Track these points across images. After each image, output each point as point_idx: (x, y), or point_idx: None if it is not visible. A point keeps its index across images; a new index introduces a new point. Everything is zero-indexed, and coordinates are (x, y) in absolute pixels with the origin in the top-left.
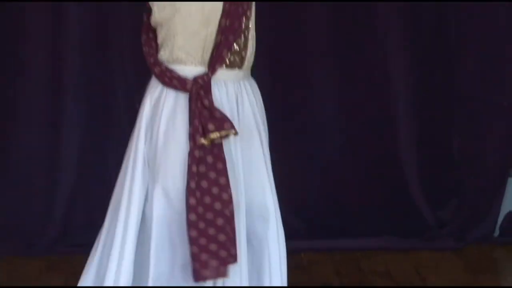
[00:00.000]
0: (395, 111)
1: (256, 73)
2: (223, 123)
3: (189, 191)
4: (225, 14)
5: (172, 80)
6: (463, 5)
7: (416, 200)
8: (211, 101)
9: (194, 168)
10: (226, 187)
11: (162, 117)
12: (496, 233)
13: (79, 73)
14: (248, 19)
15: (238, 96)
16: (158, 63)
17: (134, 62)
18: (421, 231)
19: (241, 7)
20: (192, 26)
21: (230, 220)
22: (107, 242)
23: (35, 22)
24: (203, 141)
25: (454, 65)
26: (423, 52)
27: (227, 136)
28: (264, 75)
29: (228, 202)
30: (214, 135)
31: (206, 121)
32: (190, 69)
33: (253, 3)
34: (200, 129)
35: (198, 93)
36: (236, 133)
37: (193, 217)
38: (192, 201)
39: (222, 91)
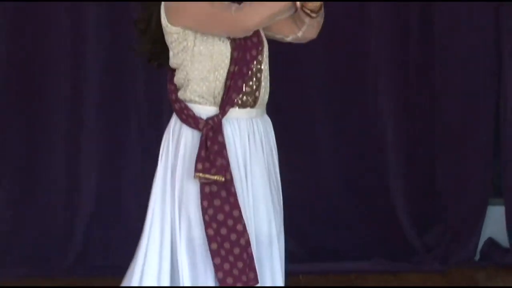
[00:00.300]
0: (384, 144)
1: None
2: (211, 168)
3: (206, 223)
4: (233, 61)
5: (188, 118)
6: (448, 45)
7: (404, 226)
8: (221, 142)
9: (205, 203)
10: (239, 218)
11: (181, 150)
12: (477, 257)
13: (97, 106)
14: (259, 63)
15: (250, 133)
16: (178, 100)
17: (147, 94)
18: (409, 255)
19: (249, 53)
20: (203, 72)
21: (246, 248)
22: (144, 265)
23: (55, 42)
24: (198, 175)
25: (435, 104)
26: (410, 92)
27: (215, 180)
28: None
29: (243, 232)
30: (200, 175)
31: (200, 160)
32: (204, 109)
33: (266, 47)
34: (197, 166)
35: (207, 134)
36: (223, 180)
37: (214, 246)
38: (210, 232)
39: (234, 129)
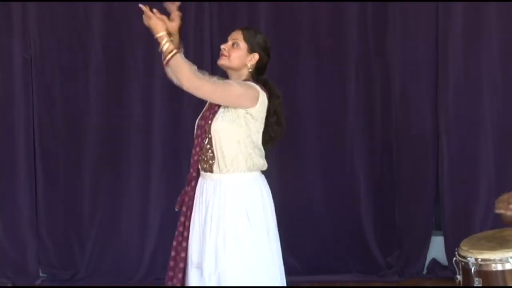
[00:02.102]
0: (358, 195)
1: None
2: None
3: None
4: (195, 133)
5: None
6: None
7: (373, 250)
8: (186, 191)
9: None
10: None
11: None
12: (424, 271)
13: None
14: (208, 139)
15: (209, 194)
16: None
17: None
18: (377, 270)
19: (200, 130)
20: None
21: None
22: None
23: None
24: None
25: (394, 164)
26: (380, 152)
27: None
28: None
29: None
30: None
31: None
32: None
33: (216, 123)
34: None
35: (189, 180)
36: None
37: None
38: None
39: (201, 187)
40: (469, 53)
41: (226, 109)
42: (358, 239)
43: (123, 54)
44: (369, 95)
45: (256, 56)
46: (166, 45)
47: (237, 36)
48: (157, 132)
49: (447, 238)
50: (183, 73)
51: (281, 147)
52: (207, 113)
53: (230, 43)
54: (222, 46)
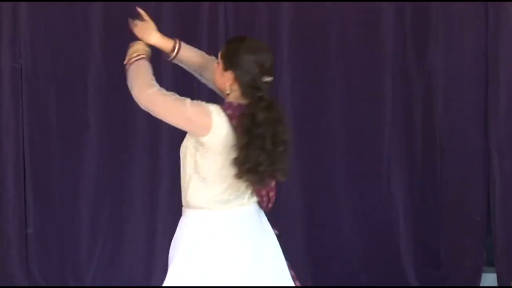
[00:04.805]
0: (396, 225)
1: None
2: None
3: None
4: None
5: None
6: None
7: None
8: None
9: None
10: None
11: None
12: None
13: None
14: (184, 174)
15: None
16: None
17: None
18: None
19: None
20: None
21: None
22: None
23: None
24: None
25: (437, 188)
26: (417, 173)
27: None
28: None
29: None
30: None
31: None
32: None
33: (187, 151)
34: None
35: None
36: None
37: None
38: None
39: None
40: None
41: None
42: (395, 277)
43: None
44: (408, 109)
45: (229, 75)
46: (136, 46)
47: (220, 52)
48: (165, 153)
49: (501, 276)
50: (141, 80)
51: (306, 170)
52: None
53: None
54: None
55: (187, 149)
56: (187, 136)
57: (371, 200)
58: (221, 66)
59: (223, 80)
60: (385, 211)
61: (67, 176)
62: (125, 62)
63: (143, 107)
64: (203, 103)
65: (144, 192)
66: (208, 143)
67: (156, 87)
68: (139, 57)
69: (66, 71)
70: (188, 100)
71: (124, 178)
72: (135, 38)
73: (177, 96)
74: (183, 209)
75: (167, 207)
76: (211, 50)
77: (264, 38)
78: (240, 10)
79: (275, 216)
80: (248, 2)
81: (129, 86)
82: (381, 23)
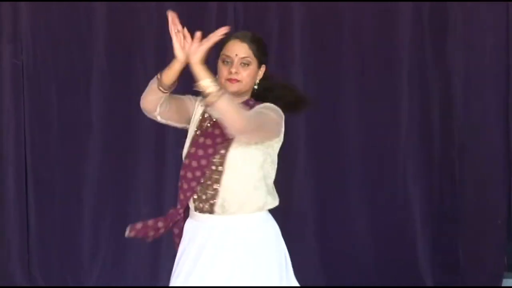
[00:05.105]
0: (413, 230)
1: None
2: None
3: None
4: (183, 165)
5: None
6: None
7: None
8: (175, 234)
9: None
10: None
11: None
12: None
13: None
14: (218, 173)
15: (207, 242)
16: None
17: None
18: None
19: (197, 162)
20: None
21: None
22: None
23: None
24: None
25: (456, 191)
26: (435, 181)
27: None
28: None
29: None
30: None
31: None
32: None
33: (230, 156)
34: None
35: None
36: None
37: None
38: None
39: (188, 229)
40: None
41: None
42: (411, 282)
43: (132, 62)
44: (425, 110)
45: (263, 68)
46: (210, 80)
47: (245, 52)
48: (170, 154)
49: None
50: (240, 113)
51: (319, 174)
52: (207, 139)
53: (238, 62)
54: (233, 70)
55: (244, 160)
56: (233, 146)
57: (387, 202)
58: (255, 63)
59: (255, 76)
60: (401, 213)
61: (70, 177)
62: (209, 99)
63: (245, 138)
64: (265, 103)
65: (149, 194)
66: (279, 141)
67: (248, 111)
68: (222, 91)
69: (69, 68)
70: (261, 106)
71: (129, 180)
72: (141, 36)
73: (247, 109)
74: (219, 216)
75: None
76: (218, 52)
77: (275, 37)
78: (249, 9)
79: (286, 217)
80: (258, 2)
81: (232, 124)
82: (398, 18)
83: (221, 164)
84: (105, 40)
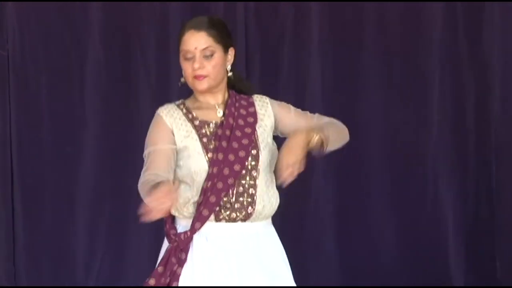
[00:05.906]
0: (445, 238)
1: None
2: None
3: None
4: (208, 176)
5: (167, 231)
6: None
7: None
8: (181, 260)
9: None
10: None
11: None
12: None
13: None
14: (250, 177)
15: (240, 251)
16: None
17: None
18: None
19: (229, 169)
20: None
21: None
22: None
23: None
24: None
25: (493, 196)
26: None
27: None
28: None
29: None
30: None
31: (153, 276)
32: (182, 222)
33: (262, 159)
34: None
35: (171, 249)
36: None
37: None
38: None
39: (214, 246)
40: None
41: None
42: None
43: (130, 55)
44: (458, 108)
45: (232, 51)
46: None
47: (205, 42)
48: None
49: None
50: (339, 128)
51: (340, 171)
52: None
53: (200, 56)
54: (195, 66)
55: (270, 158)
56: (261, 144)
57: (415, 208)
58: (221, 50)
59: (225, 64)
60: (432, 221)
61: (61, 181)
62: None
63: None
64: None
65: None
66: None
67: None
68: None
69: (60, 60)
70: (290, 106)
71: (126, 183)
72: (141, 25)
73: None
74: (254, 223)
75: None
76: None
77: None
78: (260, 9)
79: (302, 222)
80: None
81: (345, 141)
82: (428, 5)
83: (255, 167)
84: (101, 29)
